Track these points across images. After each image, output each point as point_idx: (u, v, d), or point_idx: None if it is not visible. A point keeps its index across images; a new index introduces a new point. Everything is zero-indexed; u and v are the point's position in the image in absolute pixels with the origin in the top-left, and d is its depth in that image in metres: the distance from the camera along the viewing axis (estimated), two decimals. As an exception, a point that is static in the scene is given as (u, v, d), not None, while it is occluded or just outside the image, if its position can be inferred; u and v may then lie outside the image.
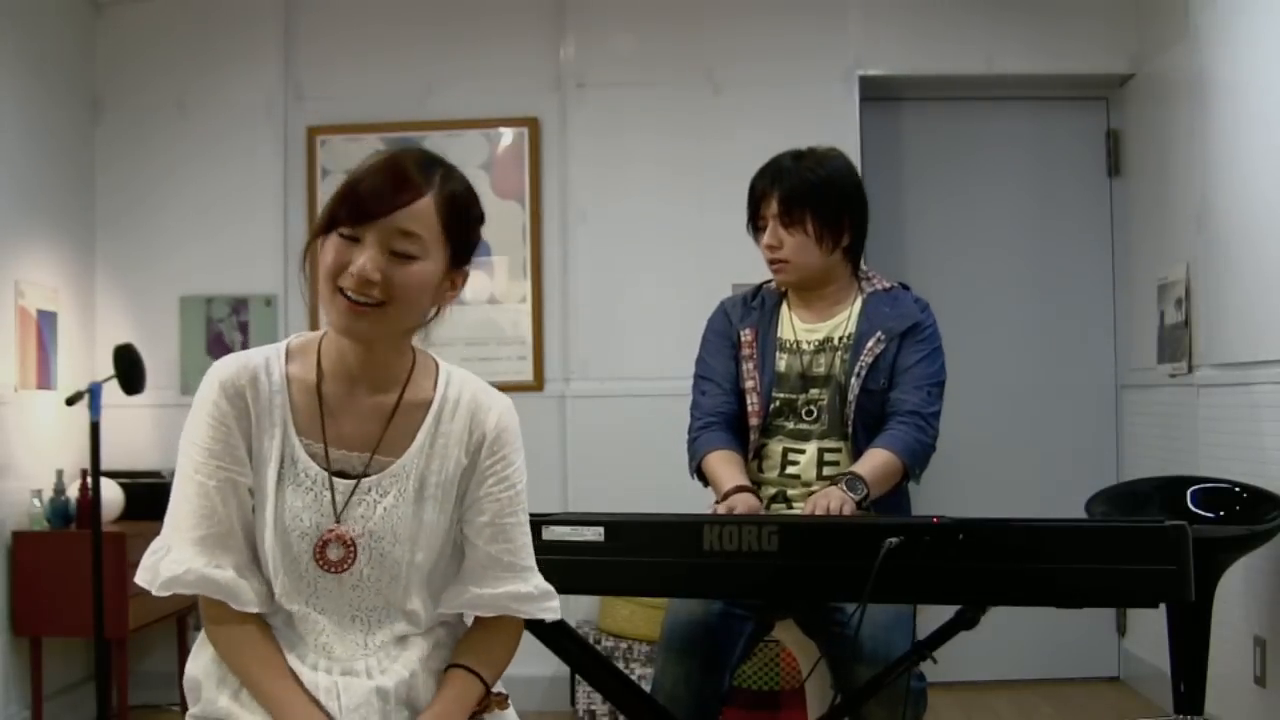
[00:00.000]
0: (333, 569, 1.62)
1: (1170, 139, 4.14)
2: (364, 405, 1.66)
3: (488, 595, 1.68)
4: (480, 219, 1.69)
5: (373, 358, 1.65)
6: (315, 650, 1.63)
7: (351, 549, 1.62)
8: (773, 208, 2.58)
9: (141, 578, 1.63)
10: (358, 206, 1.56)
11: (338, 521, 1.62)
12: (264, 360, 1.65)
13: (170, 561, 1.60)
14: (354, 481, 1.64)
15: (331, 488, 1.63)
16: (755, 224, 2.65)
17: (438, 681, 1.67)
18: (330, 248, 1.57)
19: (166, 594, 1.60)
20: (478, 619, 1.73)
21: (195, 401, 1.64)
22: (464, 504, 1.70)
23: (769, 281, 2.72)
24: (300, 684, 1.59)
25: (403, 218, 1.56)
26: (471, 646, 1.71)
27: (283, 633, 1.65)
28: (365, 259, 1.55)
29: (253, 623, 1.61)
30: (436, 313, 1.68)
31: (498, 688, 1.71)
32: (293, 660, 1.62)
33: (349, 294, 1.56)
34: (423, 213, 1.58)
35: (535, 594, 1.71)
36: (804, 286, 2.64)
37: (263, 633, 1.62)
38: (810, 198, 2.56)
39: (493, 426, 1.69)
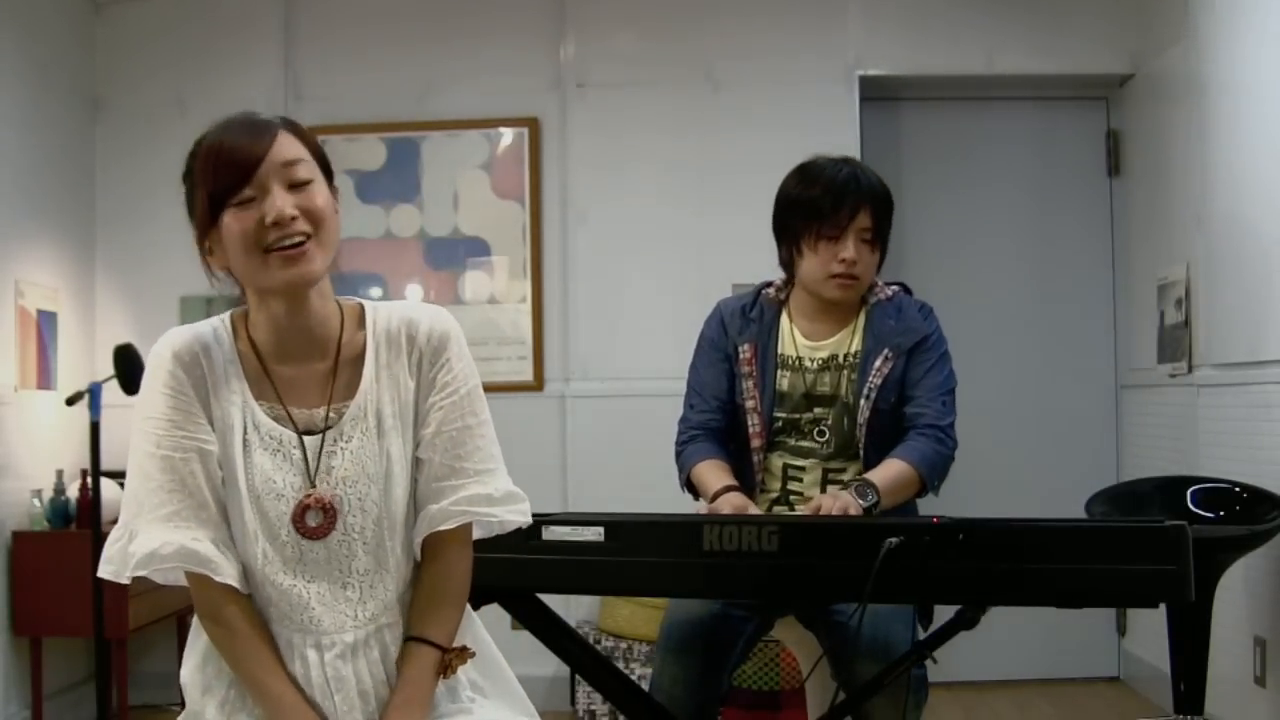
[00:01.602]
0: (315, 535, 1.59)
1: (1170, 139, 4.14)
2: (308, 373, 1.64)
3: (445, 507, 1.63)
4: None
5: (306, 321, 1.63)
6: (303, 630, 1.60)
7: (331, 511, 1.59)
8: (862, 221, 2.48)
9: (105, 570, 1.59)
10: (236, 164, 1.55)
11: (313, 485, 1.60)
12: (212, 331, 1.65)
13: (141, 541, 1.56)
14: (319, 436, 1.62)
15: (302, 446, 1.61)
16: (818, 233, 2.48)
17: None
18: (232, 223, 1.55)
19: (142, 573, 1.55)
20: (418, 580, 1.67)
21: (146, 377, 1.62)
22: (417, 424, 1.67)
23: (766, 288, 2.64)
24: (294, 680, 1.57)
25: (279, 151, 1.57)
26: (417, 611, 1.66)
27: (266, 610, 1.61)
28: (275, 201, 1.55)
29: (244, 615, 1.58)
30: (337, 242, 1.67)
31: (456, 642, 1.67)
32: (282, 641, 1.60)
33: (280, 244, 1.55)
34: (289, 141, 1.59)
35: (497, 495, 1.66)
36: (849, 299, 2.56)
37: (255, 625, 1.59)
38: (890, 213, 2.53)
39: (424, 338, 1.67)
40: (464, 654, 1.67)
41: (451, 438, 1.66)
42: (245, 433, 1.60)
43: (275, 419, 1.62)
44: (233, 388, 1.61)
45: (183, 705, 1.68)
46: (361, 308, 1.71)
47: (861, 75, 4.48)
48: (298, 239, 1.55)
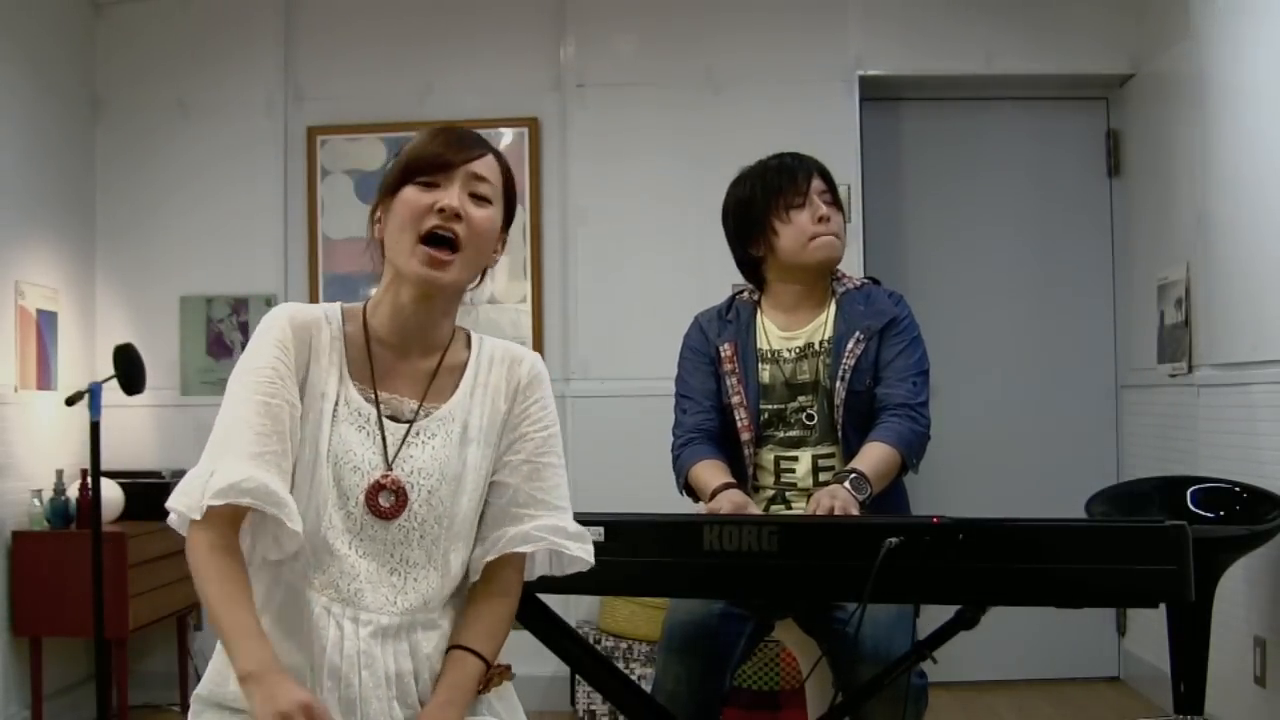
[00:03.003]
0: (383, 515, 1.66)
1: (1170, 139, 4.14)
2: (411, 365, 1.74)
3: (528, 530, 1.71)
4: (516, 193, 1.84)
5: (428, 318, 1.72)
6: (342, 600, 1.63)
7: (402, 497, 1.66)
8: (818, 185, 2.60)
9: (178, 502, 1.58)
10: (439, 156, 1.69)
11: (390, 468, 1.66)
12: (323, 312, 1.74)
13: (223, 474, 1.56)
14: (405, 425, 1.70)
15: (382, 430, 1.68)
16: (785, 205, 2.58)
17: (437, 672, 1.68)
18: (406, 199, 1.67)
19: (219, 503, 1.55)
20: (473, 595, 1.73)
21: (257, 334, 1.69)
22: (501, 446, 1.75)
23: (740, 292, 2.71)
24: (257, 622, 1.56)
25: (479, 165, 1.71)
26: (468, 624, 1.72)
27: (311, 573, 1.63)
28: (452, 193, 1.67)
29: (233, 555, 1.59)
30: (482, 277, 1.78)
31: (500, 660, 1.73)
32: (311, 622, 1.61)
33: (438, 230, 1.65)
34: (491, 165, 1.73)
35: (571, 530, 1.75)
36: (831, 266, 2.63)
37: (238, 565, 1.59)
38: (833, 182, 2.65)
39: (526, 372, 1.79)
40: (506, 672, 1.74)
41: (536, 469, 1.76)
42: (337, 405, 1.68)
43: (366, 399, 1.70)
44: (333, 361, 1.70)
45: (183, 705, 1.69)
46: (469, 333, 1.82)
47: (861, 75, 4.48)
48: (448, 236, 1.66)
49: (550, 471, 1.76)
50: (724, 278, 4.16)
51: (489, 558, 1.72)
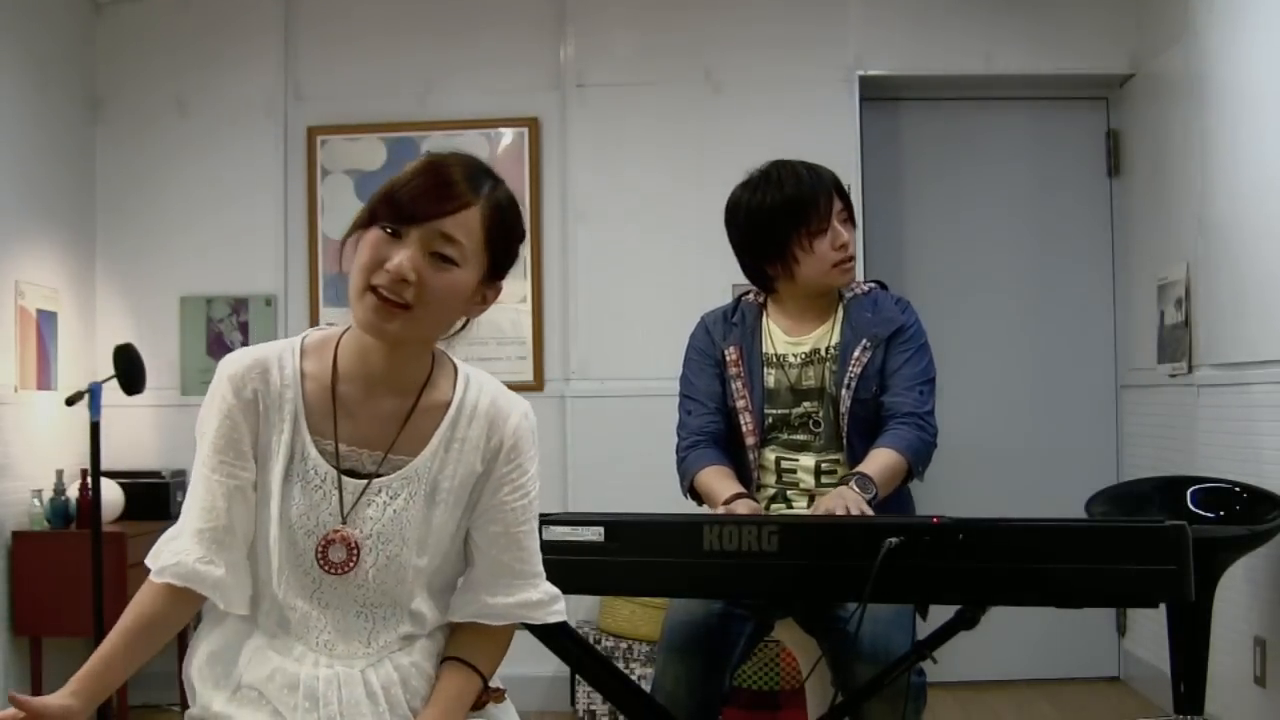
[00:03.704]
0: (335, 570, 1.60)
1: (1170, 139, 4.14)
2: (380, 406, 1.64)
3: (500, 604, 1.67)
4: (522, 236, 1.69)
5: (394, 360, 1.62)
6: (315, 649, 1.62)
7: (355, 550, 1.60)
8: (836, 205, 2.56)
9: (149, 559, 1.62)
10: (404, 206, 1.55)
11: (344, 522, 1.61)
12: (277, 355, 1.64)
13: (170, 550, 1.60)
14: (364, 481, 1.62)
15: (340, 487, 1.61)
16: (808, 233, 2.53)
17: (430, 686, 1.66)
18: (368, 243, 1.56)
19: (160, 581, 1.58)
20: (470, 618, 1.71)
21: (207, 394, 1.64)
22: (475, 510, 1.68)
23: (746, 294, 2.70)
24: (99, 660, 1.55)
25: (448, 224, 1.55)
26: (466, 640, 1.69)
27: (277, 635, 1.63)
28: (404, 257, 1.53)
29: (151, 605, 1.58)
30: (465, 325, 1.68)
31: (495, 682, 1.71)
32: (288, 661, 1.61)
33: (381, 291, 1.54)
34: (468, 222, 1.57)
35: (545, 600, 1.70)
36: (849, 281, 2.64)
37: (141, 617, 1.58)
38: (847, 194, 2.63)
39: (510, 433, 1.67)
40: (500, 695, 1.71)
41: (516, 540, 1.68)
42: (290, 463, 1.61)
43: (323, 453, 1.62)
44: (285, 415, 1.61)
45: (183, 705, 1.68)
46: (455, 366, 1.71)
47: (861, 75, 4.48)
48: (395, 300, 1.54)
49: (528, 540, 1.69)
50: (724, 278, 4.17)
51: (458, 619, 1.68)
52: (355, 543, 1.60)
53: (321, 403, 1.63)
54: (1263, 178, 3.42)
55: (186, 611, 1.61)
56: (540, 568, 1.72)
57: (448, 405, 1.66)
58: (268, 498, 1.61)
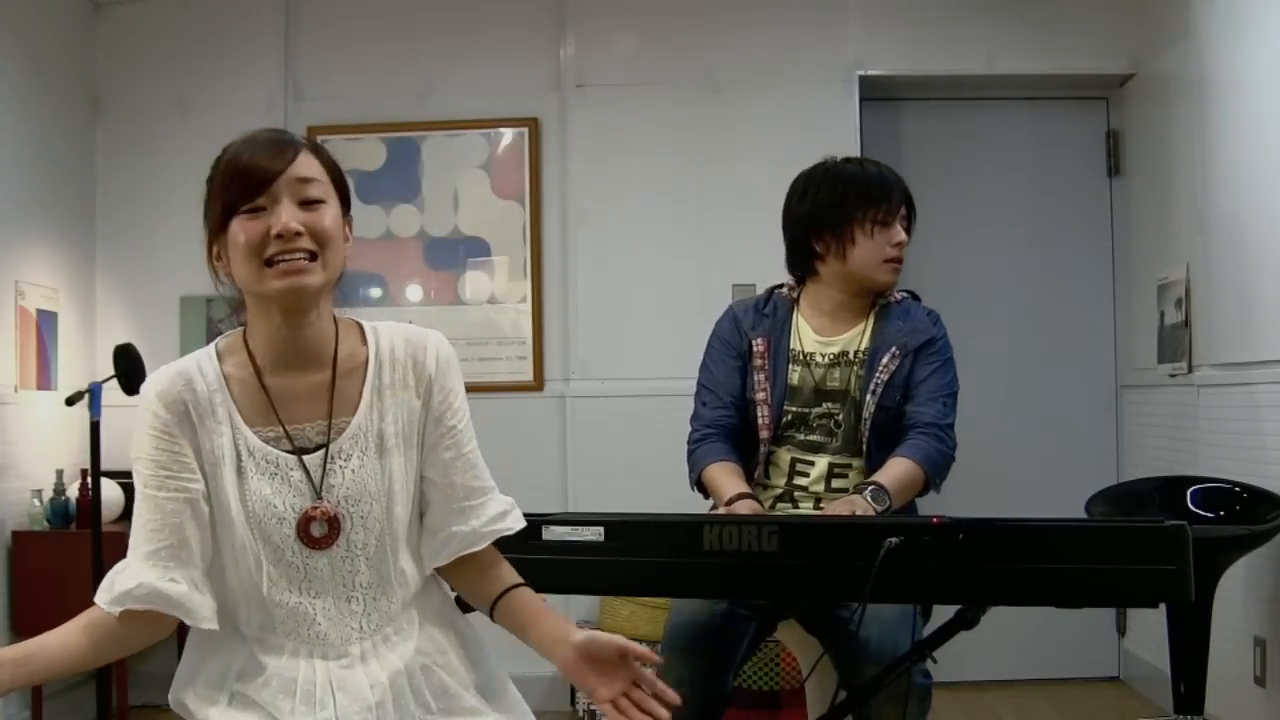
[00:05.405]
0: (318, 545, 1.62)
1: (1170, 139, 4.14)
2: (305, 383, 1.66)
3: (474, 528, 1.70)
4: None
5: (304, 335, 1.65)
6: (309, 642, 1.62)
7: (335, 524, 1.62)
8: (902, 210, 2.61)
9: (99, 597, 1.60)
10: (254, 174, 1.58)
11: (319, 497, 1.62)
12: (195, 364, 1.67)
13: (124, 577, 1.58)
14: (322, 452, 1.64)
15: (303, 466, 1.63)
16: (874, 219, 2.56)
17: (428, 678, 1.67)
18: (239, 233, 1.58)
19: (119, 610, 1.57)
20: (473, 565, 1.73)
21: (136, 419, 1.64)
22: (425, 445, 1.70)
23: (780, 287, 2.70)
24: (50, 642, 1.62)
25: (298, 167, 1.60)
26: (480, 573, 1.72)
27: (264, 638, 1.63)
28: (282, 213, 1.57)
29: (96, 628, 1.60)
30: (342, 275, 1.70)
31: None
32: (281, 663, 1.61)
33: (282, 257, 1.57)
34: (309, 162, 1.62)
35: (508, 508, 1.75)
36: (887, 289, 2.65)
37: (80, 631, 1.62)
38: (914, 206, 2.67)
39: (434, 362, 1.71)
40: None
41: (468, 459, 1.72)
42: (240, 460, 1.62)
43: (270, 441, 1.64)
44: (220, 417, 1.63)
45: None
46: (359, 325, 1.74)
47: (861, 75, 4.48)
48: (299, 256, 1.58)
49: (476, 457, 1.73)
50: (724, 278, 4.18)
51: (440, 562, 1.71)
52: (333, 514, 1.62)
53: (251, 396, 1.65)
54: (1263, 177, 3.41)
55: (144, 636, 1.61)
56: (491, 480, 1.75)
57: (365, 361, 1.70)
58: (226, 504, 1.61)
